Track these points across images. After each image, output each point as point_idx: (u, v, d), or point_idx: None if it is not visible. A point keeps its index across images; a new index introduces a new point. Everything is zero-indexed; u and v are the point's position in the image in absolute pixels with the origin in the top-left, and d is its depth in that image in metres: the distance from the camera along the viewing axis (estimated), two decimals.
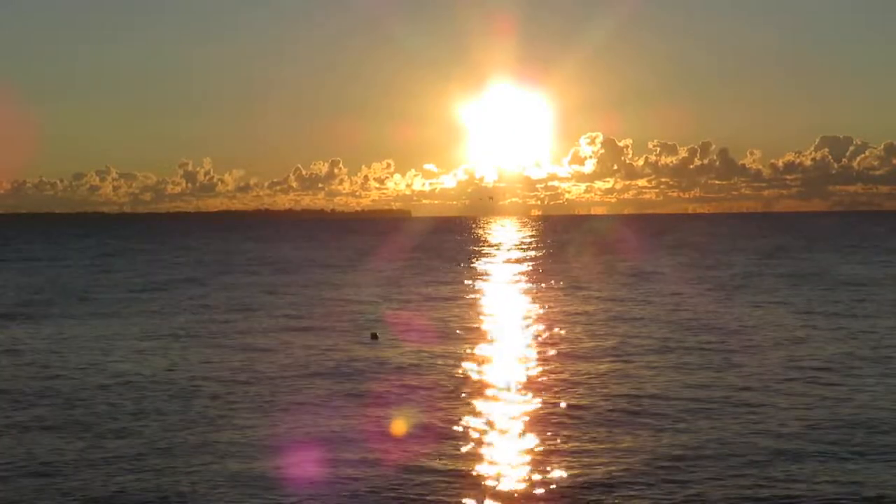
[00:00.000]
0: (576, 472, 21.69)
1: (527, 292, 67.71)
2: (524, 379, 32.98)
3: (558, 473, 21.59)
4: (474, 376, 33.57)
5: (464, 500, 20.08)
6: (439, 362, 36.70)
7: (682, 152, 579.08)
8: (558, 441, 24.37)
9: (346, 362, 37.34)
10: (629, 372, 33.77)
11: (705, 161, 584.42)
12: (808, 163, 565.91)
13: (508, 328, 48.14)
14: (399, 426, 26.54)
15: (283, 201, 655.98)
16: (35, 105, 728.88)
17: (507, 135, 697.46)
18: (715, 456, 22.75)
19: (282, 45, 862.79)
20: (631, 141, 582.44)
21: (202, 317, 52.73)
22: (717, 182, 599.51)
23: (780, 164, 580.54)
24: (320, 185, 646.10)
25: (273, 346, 42.00)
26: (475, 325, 48.06)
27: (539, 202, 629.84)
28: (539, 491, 20.60)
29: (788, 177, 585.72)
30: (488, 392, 30.73)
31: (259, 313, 54.38)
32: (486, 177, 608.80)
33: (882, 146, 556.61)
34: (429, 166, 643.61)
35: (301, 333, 46.08)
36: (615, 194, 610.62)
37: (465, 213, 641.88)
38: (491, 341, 42.48)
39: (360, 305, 58.30)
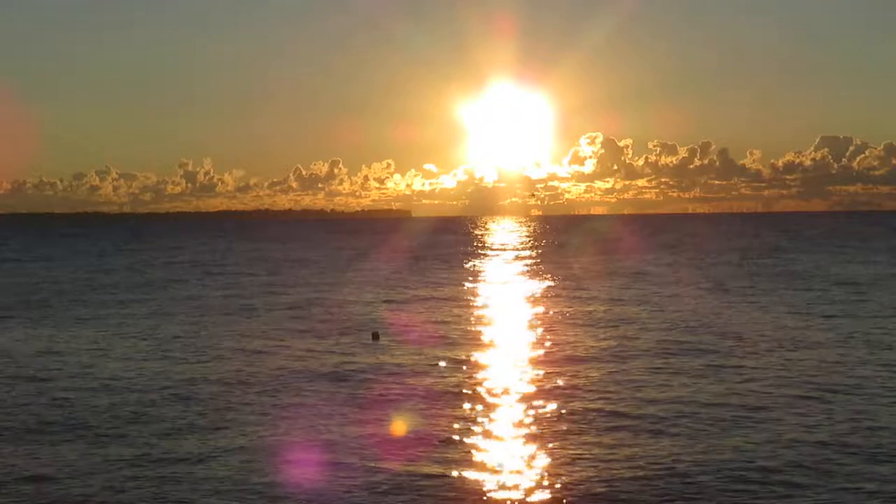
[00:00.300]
0: (575, 476, 21.60)
1: (526, 292, 67.63)
2: (524, 380, 32.87)
3: (558, 477, 21.50)
4: (475, 377, 33.47)
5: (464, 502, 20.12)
6: (440, 363, 36.64)
7: (682, 152, 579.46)
8: (558, 445, 24.26)
9: (346, 363, 37.29)
10: (628, 375, 33.68)
11: (705, 161, 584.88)
12: (808, 163, 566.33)
13: (508, 329, 48.07)
14: (400, 428, 26.50)
15: (283, 201, 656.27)
16: (35, 105, 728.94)
17: (507, 135, 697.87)
18: (716, 464, 22.67)
19: (282, 45, 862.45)
20: (631, 141, 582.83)
21: (201, 317, 52.70)
22: (716, 182, 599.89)
23: (780, 164, 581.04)
24: (320, 185, 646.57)
25: (273, 347, 41.94)
26: (475, 326, 48.00)
27: (539, 202, 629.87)
28: (539, 494, 20.54)
29: (788, 177, 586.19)
30: (489, 393, 30.63)
31: (259, 313, 54.33)
32: (486, 177, 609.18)
33: (882, 146, 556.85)
34: (429, 166, 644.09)
35: (302, 334, 46.02)
36: (615, 194, 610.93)
37: (465, 213, 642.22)
38: (491, 342, 42.39)
39: (360, 306, 58.24)
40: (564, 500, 20.16)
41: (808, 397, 29.43)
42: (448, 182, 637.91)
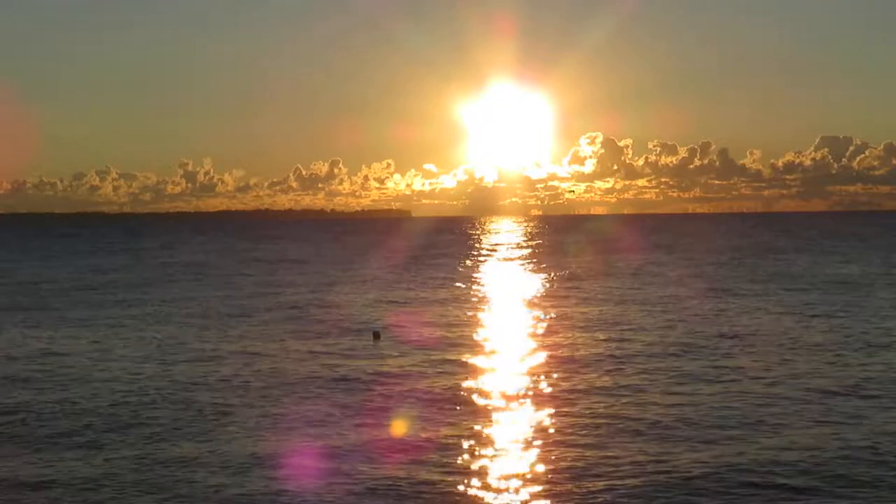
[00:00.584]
0: (576, 479, 21.61)
1: (525, 292, 67.66)
2: (525, 381, 32.84)
3: (559, 480, 21.51)
4: (475, 379, 33.43)
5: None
6: (440, 363, 36.66)
7: (682, 152, 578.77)
8: (559, 447, 24.25)
9: (347, 363, 37.35)
10: (627, 377, 33.74)
11: (705, 161, 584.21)
12: (808, 163, 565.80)
13: (508, 329, 48.16)
14: (400, 429, 26.52)
15: (283, 201, 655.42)
16: (35, 105, 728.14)
17: (507, 135, 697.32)
18: (720, 468, 22.71)
19: (282, 45, 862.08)
20: (631, 141, 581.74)
21: (199, 319, 52.70)
22: (716, 182, 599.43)
23: (780, 164, 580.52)
24: (320, 185, 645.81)
25: (274, 345, 42.02)
26: (475, 326, 48.01)
27: (539, 202, 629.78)
28: (539, 497, 20.61)
29: (788, 177, 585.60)
30: (489, 396, 30.59)
31: (259, 313, 54.33)
32: (486, 177, 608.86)
33: (882, 146, 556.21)
34: (429, 166, 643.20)
35: (302, 334, 46.08)
36: (615, 194, 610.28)
37: (465, 213, 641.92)
38: (491, 342, 42.36)
39: (360, 306, 58.31)
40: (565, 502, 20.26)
41: (805, 400, 29.50)
42: (448, 182, 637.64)
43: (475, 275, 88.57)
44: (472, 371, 35.12)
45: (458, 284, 76.09)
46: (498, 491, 21.02)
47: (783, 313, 51.51)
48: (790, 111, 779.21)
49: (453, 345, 41.63)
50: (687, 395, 30.24)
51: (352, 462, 23.00)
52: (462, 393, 31.07)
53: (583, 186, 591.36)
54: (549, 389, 31.42)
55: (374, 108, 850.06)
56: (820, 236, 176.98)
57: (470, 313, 54.51)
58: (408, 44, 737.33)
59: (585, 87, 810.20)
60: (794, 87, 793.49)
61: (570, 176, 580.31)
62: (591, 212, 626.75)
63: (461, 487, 21.13)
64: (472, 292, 68.83)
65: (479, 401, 29.86)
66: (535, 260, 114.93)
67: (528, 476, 21.90)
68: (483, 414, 28.05)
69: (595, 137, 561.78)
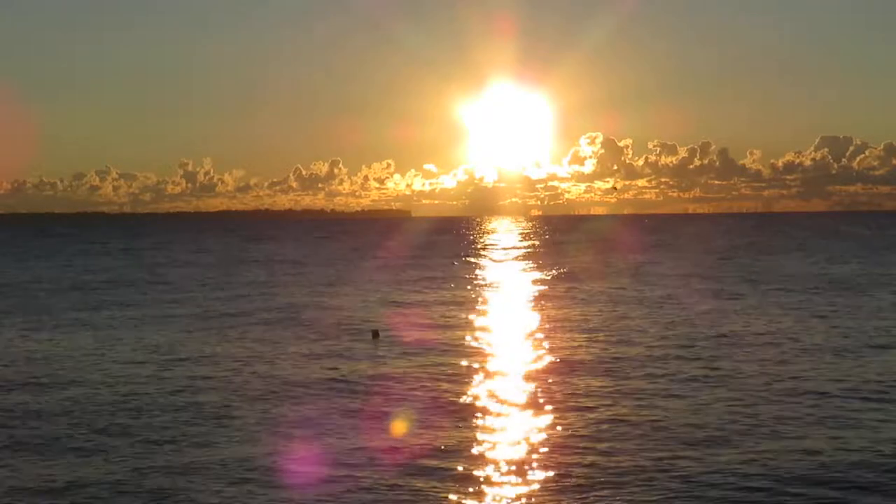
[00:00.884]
0: (576, 482, 21.56)
1: (524, 292, 67.68)
2: (524, 380, 32.82)
3: (558, 483, 21.47)
4: (474, 378, 33.39)
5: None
6: (438, 363, 36.63)
7: (682, 152, 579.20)
8: (558, 448, 24.19)
9: (346, 361, 37.38)
10: (627, 380, 33.70)
11: (705, 161, 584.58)
12: (808, 163, 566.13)
13: (506, 330, 48.15)
14: (399, 430, 26.53)
15: (283, 201, 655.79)
16: (35, 105, 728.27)
17: (507, 135, 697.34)
18: (721, 472, 22.67)
19: (282, 45, 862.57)
20: (631, 141, 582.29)
21: (202, 314, 52.76)
22: (716, 182, 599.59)
23: (780, 164, 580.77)
24: (320, 185, 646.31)
25: (274, 344, 42.05)
26: (474, 325, 47.95)
27: (539, 202, 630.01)
28: (539, 500, 20.61)
29: (788, 177, 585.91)
30: (487, 395, 30.53)
31: (259, 311, 54.41)
32: (486, 177, 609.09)
33: (882, 146, 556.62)
34: (429, 166, 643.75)
35: (302, 332, 46.10)
36: (615, 194, 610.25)
37: (465, 213, 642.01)
38: (489, 343, 42.30)
39: (360, 305, 58.29)
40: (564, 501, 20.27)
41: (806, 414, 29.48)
42: (448, 182, 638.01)
43: (474, 275, 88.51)
44: (471, 372, 35.06)
45: (457, 285, 76.05)
46: (497, 495, 20.98)
47: (767, 313, 51.46)
48: (790, 111, 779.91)
49: (452, 345, 41.57)
50: (685, 398, 30.17)
51: (351, 466, 22.91)
52: (461, 394, 31.00)
53: (583, 186, 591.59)
54: (547, 392, 31.30)
55: (374, 108, 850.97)
56: (816, 236, 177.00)
57: (469, 314, 54.43)
58: (408, 44, 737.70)
59: (585, 87, 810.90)
60: (794, 87, 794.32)
61: (570, 176, 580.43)
62: (591, 212, 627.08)
63: (461, 490, 21.08)
64: (471, 293, 68.77)
65: (477, 403, 29.80)
66: (534, 260, 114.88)
67: (528, 479, 21.83)
68: (482, 416, 27.98)
69: (595, 137, 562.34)
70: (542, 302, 61.14)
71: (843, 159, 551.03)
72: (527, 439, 25.13)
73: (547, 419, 27.27)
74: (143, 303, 61.99)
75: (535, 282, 79.33)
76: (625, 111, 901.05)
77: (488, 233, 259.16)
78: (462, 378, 33.75)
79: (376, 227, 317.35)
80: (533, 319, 51.60)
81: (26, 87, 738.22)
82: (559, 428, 26.19)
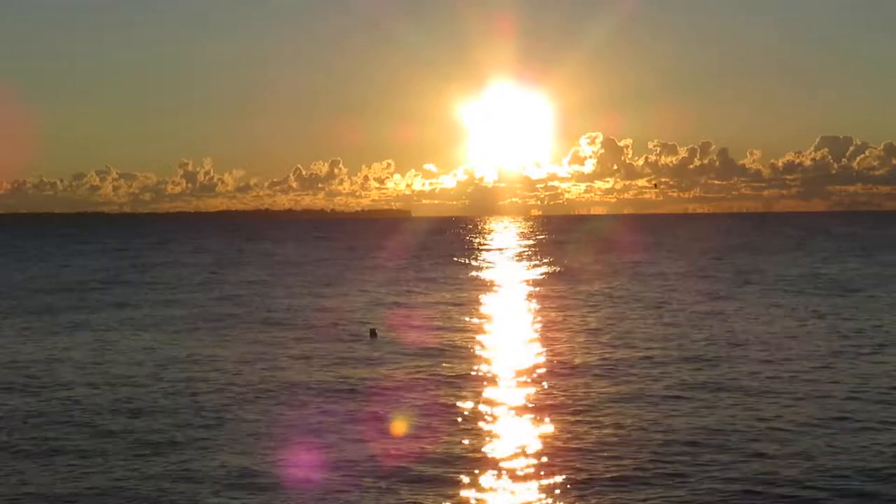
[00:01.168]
0: (576, 486, 21.46)
1: (523, 292, 67.62)
2: (523, 378, 32.75)
3: (557, 484, 21.39)
4: (473, 375, 33.30)
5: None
6: (437, 362, 36.59)
7: (682, 152, 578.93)
8: (559, 453, 24.08)
9: (344, 362, 37.33)
10: (627, 384, 33.65)
11: (705, 161, 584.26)
12: (808, 163, 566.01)
13: (506, 328, 48.04)
14: (397, 425, 26.49)
15: (283, 201, 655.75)
16: (35, 105, 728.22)
17: (507, 135, 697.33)
18: (723, 480, 22.62)
19: (282, 45, 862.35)
20: (631, 141, 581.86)
21: (199, 315, 52.64)
22: (716, 182, 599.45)
23: (780, 164, 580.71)
24: (320, 185, 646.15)
25: (272, 343, 42.02)
26: (473, 326, 47.83)
27: (539, 202, 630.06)
28: (536, 499, 20.55)
29: (788, 177, 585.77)
30: (488, 391, 30.47)
31: (257, 312, 54.32)
32: (486, 177, 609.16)
33: (882, 146, 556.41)
34: (429, 166, 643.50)
35: (300, 331, 46.08)
36: (615, 194, 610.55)
37: (465, 213, 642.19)
38: (488, 342, 42.14)
39: (359, 304, 58.23)
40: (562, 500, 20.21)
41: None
42: (448, 182, 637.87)
43: (473, 275, 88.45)
44: (470, 374, 34.89)
45: (455, 285, 75.99)
46: (495, 500, 20.89)
47: (762, 313, 51.40)
48: (790, 111, 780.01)
49: (451, 346, 41.41)
50: (684, 402, 30.07)
51: (349, 469, 22.76)
52: (459, 395, 30.84)
53: (583, 186, 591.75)
54: (545, 394, 31.11)
55: (374, 108, 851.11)
56: (809, 236, 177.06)
57: (468, 314, 54.30)
58: (408, 44, 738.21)
59: (585, 87, 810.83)
60: (794, 87, 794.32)
61: (570, 176, 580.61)
62: (591, 212, 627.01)
63: (459, 493, 20.98)
64: (469, 293, 68.64)
65: (476, 405, 29.63)
66: (533, 260, 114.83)
67: (527, 483, 21.71)
68: (480, 419, 27.82)
69: (595, 137, 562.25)
70: (540, 302, 61.05)
71: (843, 159, 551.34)
72: (526, 441, 25.01)
73: (546, 422, 27.15)
74: (140, 303, 61.88)
75: (533, 282, 79.25)
76: (625, 111, 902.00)
77: (488, 233, 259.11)
78: (460, 379, 33.63)
79: (376, 227, 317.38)
80: (530, 319, 51.52)
81: (26, 87, 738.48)
82: (559, 431, 26.06)
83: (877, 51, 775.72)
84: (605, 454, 23.33)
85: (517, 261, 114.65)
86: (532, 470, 22.27)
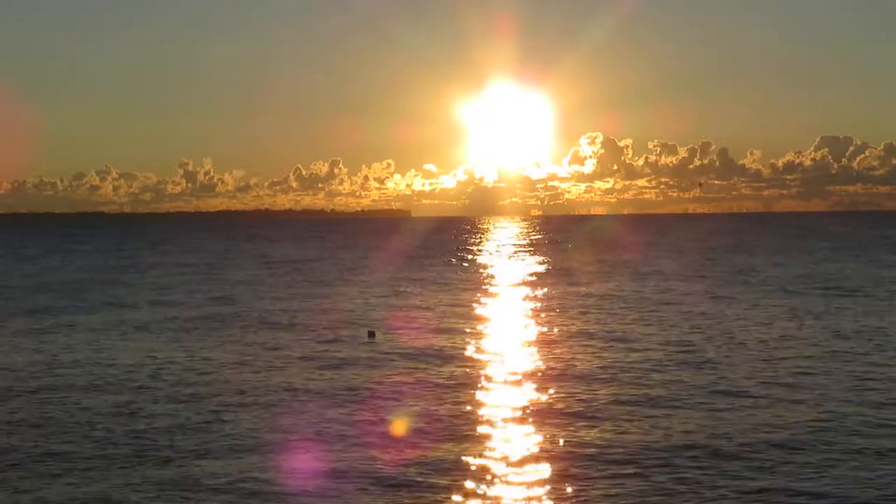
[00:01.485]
0: (574, 478, 21.38)
1: (524, 292, 67.52)
2: (521, 377, 32.58)
3: (555, 478, 21.30)
4: (472, 376, 33.19)
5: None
6: (437, 362, 36.54)
7: (682, 152, 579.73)
8: (556, 445, 24.01)
9: (343, 361, 37.28)
10: (628, 390, 33.57)
11: (705, 161, 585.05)
12: (808, 163, 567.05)
13: (505, 329, 47.92)
14: (397, 427, 26.38)
15: (283, 201, 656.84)
16: (35, 105, 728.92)
17: (507, 135, 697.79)
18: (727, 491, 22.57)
19: (282, 45, 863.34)
20: (631, 141, 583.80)
21: (197, 316, 52.49)
22: (716, 182, 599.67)
23: (780, 164, 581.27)
24: (320, 185, 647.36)
25: (270, 344, 41.91)
26: (473, 325, 47.68)
27: (539, 202, 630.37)
28: (534, 490, 20.46)
29: (788, 177, 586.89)
30: (486, 392, 30.37)
31: (256, 311, 54.17)
32: (486, 177, 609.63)
33: (882, 146, 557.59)
34: (429, 166, 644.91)
35: (299, 332, 45.97)
36: (615, 194, 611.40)
37: (465, 213, 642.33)
38: (488, 341, 42.04)
39: (357, 304, 58.11)
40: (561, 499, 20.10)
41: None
42: (448, 182, 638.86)
43: (472, 276, 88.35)
44: (469, 375, 34.72)
45: (454, 285, 75.87)
46: (495, 481, 20.88)
47: (759, 313, 51.31)
48: (790, 111, 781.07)
49: (450, 346, 41.26)
50: (684, 408, 29.98)
51: (348, 472, 22.60)
52: (459, 398, 30.68)
53: (583, 186, 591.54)
54: (546, 399, 30.88)
55: (374, 108, 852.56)
56: (808, 236, 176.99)
57: (467, 314, 54.19)
58: (408, 44, 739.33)
59: (585, 87, 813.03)
60: (794, 87, 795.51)
61: (570, 176, 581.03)
62: (591, 212, 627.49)
63: (459, 479, 20.90)
64: (469, 293, 68.51)
65: (475, 408, 29.50)
66: (532, 261, 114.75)
67: (527, 488, 21.58)
68: (479, 422, 27.70)
69: (595, 137, 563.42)
70: (539, 303, 60.93)
71: (843, 159, 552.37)
72: (526, 445, 24.88)
73: (546, 426, 26.97)
74: (137, 304, 61.71)
75: (532, 282, 79.12)
76: (625, 111, 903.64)
77: (487, 233, 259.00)
78: (460, 382, 33.45)
79: (376, 228, 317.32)
80: (529, 320, 51.41)
81: (26, 87, 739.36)
82: (559, 435, 25.89)
83: (877, 51, 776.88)
84: (606, 459, 23.20)
85: (517, 261, 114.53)
86: (532, 475, 22.14)
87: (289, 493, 20.93)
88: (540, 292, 68.58)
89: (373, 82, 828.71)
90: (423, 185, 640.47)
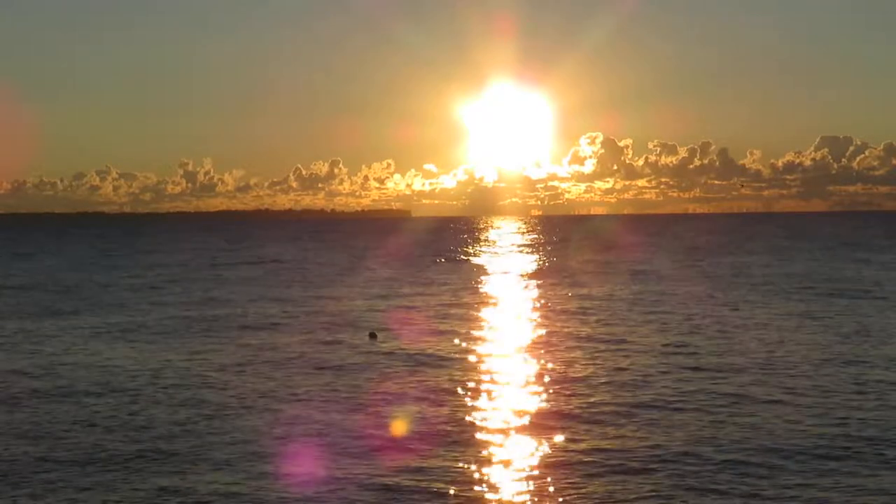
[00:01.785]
0: (573, 477, 21.35)
1: (524, 292, 67.45)
2: (521, 380, 32.61)
3: (555, 483, 21.24)
4: (473, 379, 33.09)
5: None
6: (437, 362, 36.50)
7: (682, 152, 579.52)
8: (556, 449, 23.93)
9: (344, 362, 37.22)
10: (628, 393, 33.49)
11: (705, 161, 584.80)
12: (808, 163, 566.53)
13: (505, 330, 47.82)
14: (398, 428, 26.33)
15: (283, 201, 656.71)
16: (35, 105, 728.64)
17: (507, 135, 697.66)
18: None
19: (282, 45, 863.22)
20: (631, 141, 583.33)
21: (195, 316, 52.48)
22: (716, 182, 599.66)
23: (780, 164, 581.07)
24: (320, 185, 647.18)
25: (270, 345, 41.85)
26: (473, 325, 47.58)
27: (539, 202, 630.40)
28: (534, 494, 20.43)
29: (788, 177, 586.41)
30: (487, 396, 30.25)
31: (257, 310, 54.18)
32: (486, 177, 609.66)
33: (882, 146, 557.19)
34: (429, 166, 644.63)
35: (299, 333, 45.91)
36: (615, 194, 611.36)
37: (465, 213, 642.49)
38: (488, 344, 41.93)
39: (358, 305, 58.05)
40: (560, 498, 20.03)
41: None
42: (448, 182, 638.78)
43: (471, 276, 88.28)
44: (470, 368, 34.66)
45: (456, 286, 75.79)
46: (495, 480, 20.78)
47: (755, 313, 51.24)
48: (790, 111, 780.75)
49: (450, 342, 41.23)
50: (685, 412, 29.91)
51: (347, 475, 22.53)
52: (459, 388, 30.64)
53: (583, 186, 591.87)
54: (546, 402, 30.83)
55: (374, 108, 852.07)
56: (808, 235, 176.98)
57: (467, 315, 54.10)
58: (408, 44, 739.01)
59: (585, 87, 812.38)
60: (794, 87, 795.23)
61: (570, 176, 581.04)
62: (591, 212, 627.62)
63: (458, 479, 20.83)
64: (468, 294, 68.47)
65: (476, 396, 29.48)
66: (533, 261, 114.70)
67: (527, 493, 21.50)
68: (480, 408, 27.66)
69: (595, 137, 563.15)
70: (539, 303, 60.83)
71: (843, 159, 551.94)
72: (526, 448, 24.80)
73: (546, 431, 26.90)
74: (135, 304, 61.69)
75: (532, 283, 79.03)
76: (625, 111, 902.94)
77: (487, 232, 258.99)
78: (461, 383, 33.32)
79: (376, 228, 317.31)
80: (530, 321, 51.34)
81: (26, 87, 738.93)
82: (559, 440, 25.80)
83: (877, 51, 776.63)
84: (606, 463, 23.10)
85: (517, 261, 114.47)
86: (532, 480, 22.06)
87: (288, 498, 20.85)
88: (540, 293, 68.50)
89: (373, 82, 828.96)
90: (423, 185, 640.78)
